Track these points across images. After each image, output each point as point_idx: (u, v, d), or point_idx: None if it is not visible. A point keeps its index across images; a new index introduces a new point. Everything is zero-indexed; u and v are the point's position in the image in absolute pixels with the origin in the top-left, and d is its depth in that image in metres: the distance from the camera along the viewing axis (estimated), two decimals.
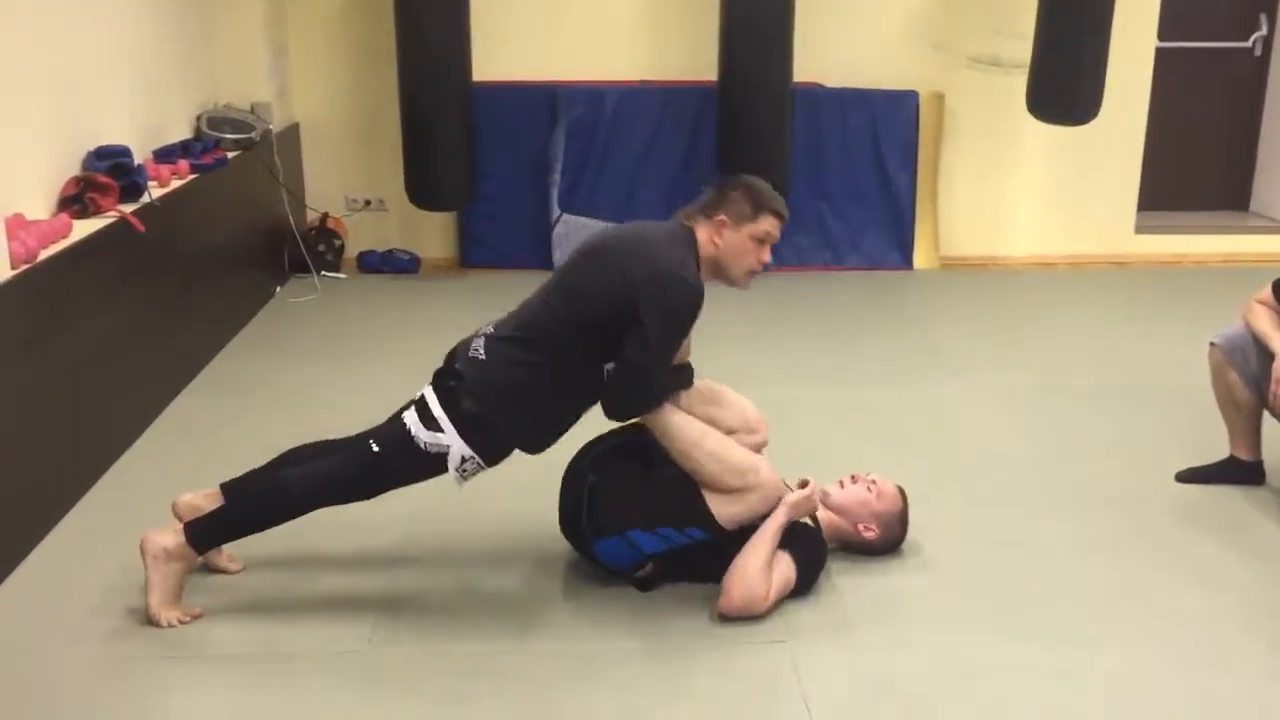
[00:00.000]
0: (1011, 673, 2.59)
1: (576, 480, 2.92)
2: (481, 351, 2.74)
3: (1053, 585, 2.96)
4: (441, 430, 2.68)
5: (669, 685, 2.54)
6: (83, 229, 3.57)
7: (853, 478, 3.06)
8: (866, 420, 4.09)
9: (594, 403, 2.80)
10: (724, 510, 2.78)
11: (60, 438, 3.28)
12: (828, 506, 3.02)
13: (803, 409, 4.17)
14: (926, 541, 3.12)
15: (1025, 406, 4.24)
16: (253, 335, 5.00)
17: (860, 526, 3.01)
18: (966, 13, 6.09)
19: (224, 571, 2.93)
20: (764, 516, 2.81)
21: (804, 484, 2.89)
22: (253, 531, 2.78)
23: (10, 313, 3.00)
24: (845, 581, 2.94)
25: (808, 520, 2.93)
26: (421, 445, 2.68)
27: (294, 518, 2.76)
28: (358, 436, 2.78)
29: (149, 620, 2.69)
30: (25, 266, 3.10)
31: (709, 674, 2.59)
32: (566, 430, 2.83)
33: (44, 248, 3.26)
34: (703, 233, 2.80)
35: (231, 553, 2.95)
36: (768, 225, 2.80)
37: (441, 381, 2.75)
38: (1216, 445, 3.57)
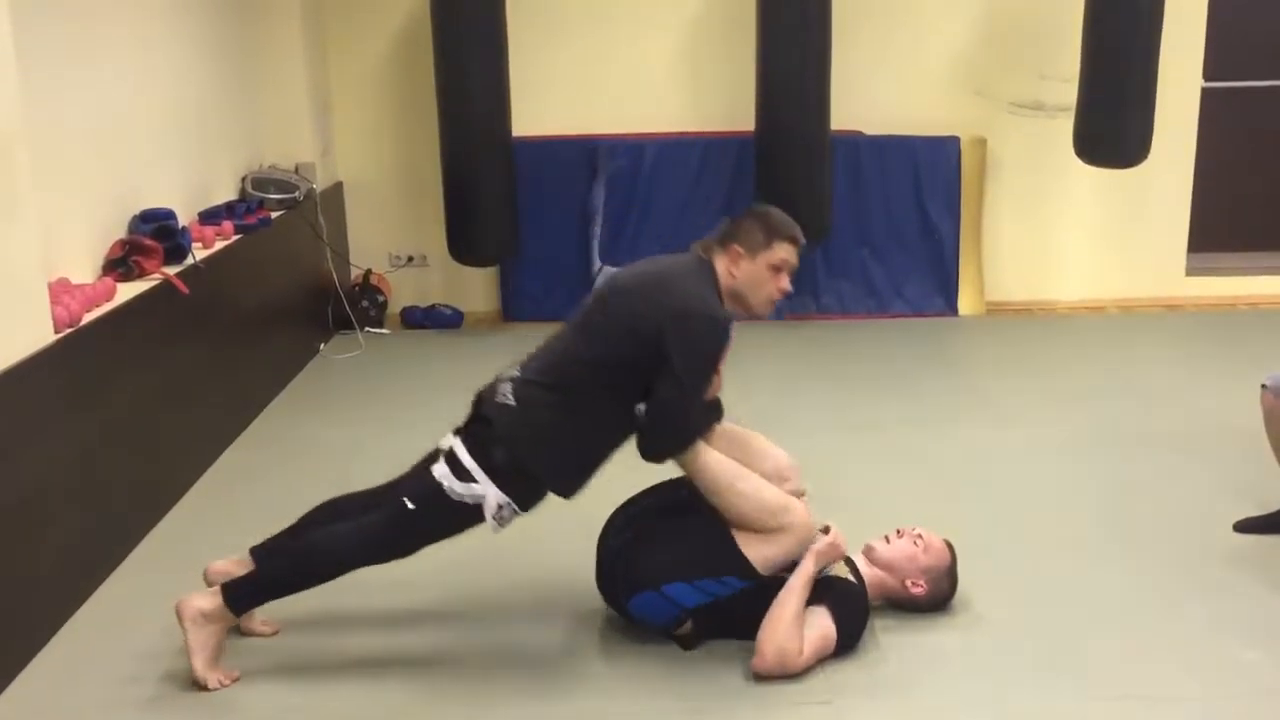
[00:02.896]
0: None
1: (613, 539, 2.89)
2: (510, 397, 2.72)
3: (1107, 640, 2.87)
4: (475, 480, 2.66)
5: None
6: (127, 291, 3.62)
7: (899, 532, 3.00)
8: (912, 470, 4.02)
9: (624, 442, 2.78)
10: (758, 553, 2.74)
11: (105, 497, 3.30)
12: (873, 562, 2.96)
13: (847, 459, 4.11)
14: (975, 596, 3.04)
15: (1075, 454, 4.15)
16: (297, 392, 5.03)
17: (907, 583, 2.94)
18: (1008, 57, 6.06)
19: (259, 635, 2.91)
20: (797, 560, 2.77)
21: (826, 530, 2.84)
22: (290, 593, 2.76)
23: (54, 376, 3.03)
24: (891, 639, 2.87)
25: (849, 576, 2.87)
26: (456, 498, 2.66)
27: (332, 579, 2.74)
28: (389, 494, 2.76)
29: (194, 683, 2.68)
30: (69, 330, 3.14)
31: None
32: (598, 471, 2.80)
33: (87, 311, 3.30)
34: (720, 264, 2.79)
35: (265, 616, 2.94)
36: (783, 253, 2.78)
37: (471, 431, 2.73)
38: (1276, 493, 3.46)
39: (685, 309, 2.67)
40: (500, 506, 2.67)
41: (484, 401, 2.76)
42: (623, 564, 2.84)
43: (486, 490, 2.66)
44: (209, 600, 2.69)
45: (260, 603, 2.79)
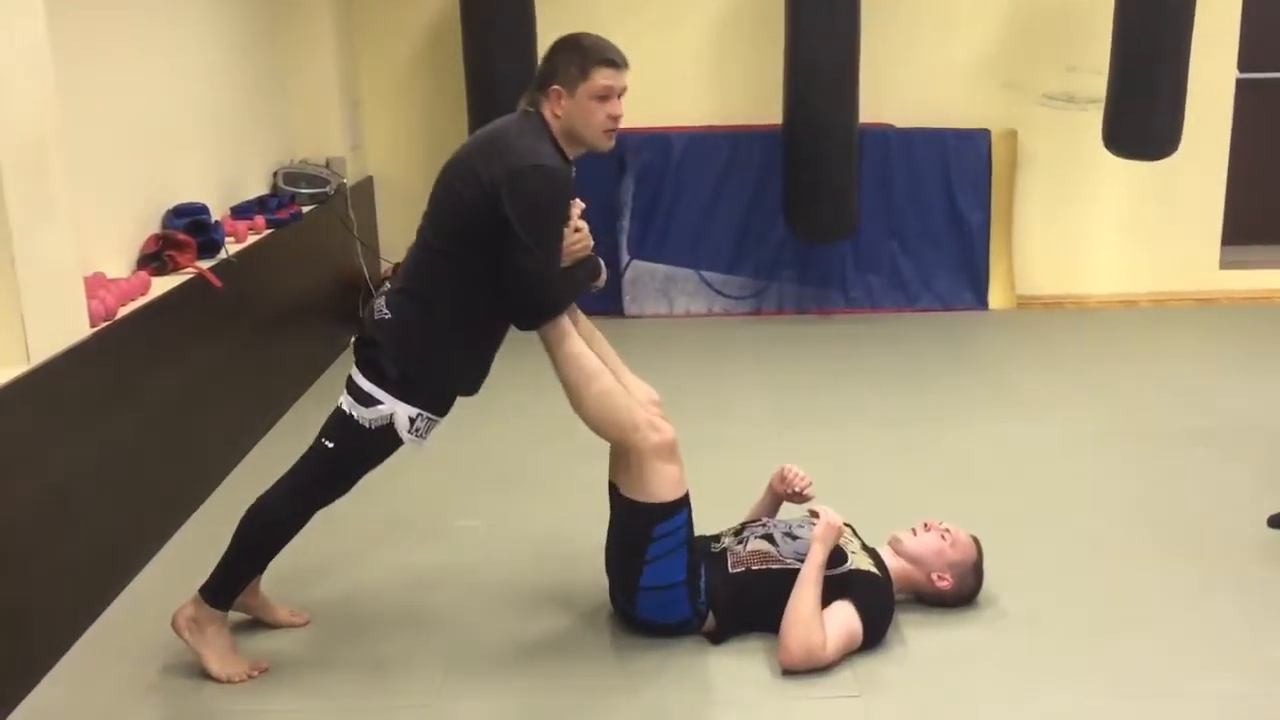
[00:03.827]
0: None
1: (608, 565, 2.92)
2: (385, 310, 2.70)
3: (1137, 637, 2.85)
4: (379, 402, 2.64)
5: None
6: (161, 286, 3.66)
7: (925, 525, 2.99)
8: (940, 465, 4.01)
9: (505, 323, 2.75)
10: (646, 490, 2.73)
11: (139, 491, 3.34)
12: (900, 554, 2.96)
13: (875, 453, 4.10)
14: (1002, 591, 3.03)
15: (1106, 450, 4.12)
16: (328, 384, 5.06)
17: (934, 576, 2.93)
18: (1038, 49, 6.02)
19: (289, 625, 2.94)
20: (676, 481, 2.75)
21: (814, 515, 2.85)
22: (256, 565, 2.78)
23: (90, 369, 3.07)
24: (918, 634, 2.87)
25: (874, 569, 2.87)
26: (367, 425, 2.64)
27: (287, 536, 2.75)
28: (314, 440, 2.76)
29: (217, 682, 2.70)
30: (104, 324, 3.18)
31: None
32: (491, 357, 2.78)
33: (122, 305, 3.34)
34: (546, 110, 2.67)
35: (293, 607, 2.97)
36: (602, 78, 2.65)
37: (361, 354, 2.71)
38: None
39: (515, 169, 2.56)
40: (412, 420, 2.65)
41: (366, 323, 2.74)
42: (616, 584, 2.88)
43: (393, 407, 2.64)
44: (192, 605, 2.72)
45: (236, 587, 2.78)
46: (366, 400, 2.65)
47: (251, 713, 2.62)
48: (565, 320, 2.72)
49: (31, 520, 2.75)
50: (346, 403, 2.68)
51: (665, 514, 2.74)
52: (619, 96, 2.69)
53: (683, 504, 2.78)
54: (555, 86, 2.66)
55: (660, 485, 2.73)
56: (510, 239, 2.56)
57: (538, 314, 2.69)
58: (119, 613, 3.08)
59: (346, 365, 5.16)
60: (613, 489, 2.87)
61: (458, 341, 2.71)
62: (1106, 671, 2.71)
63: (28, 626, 2.74)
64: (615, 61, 2.68)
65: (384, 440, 2.68)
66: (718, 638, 2.84)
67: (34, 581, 2.76)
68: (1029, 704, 2.59)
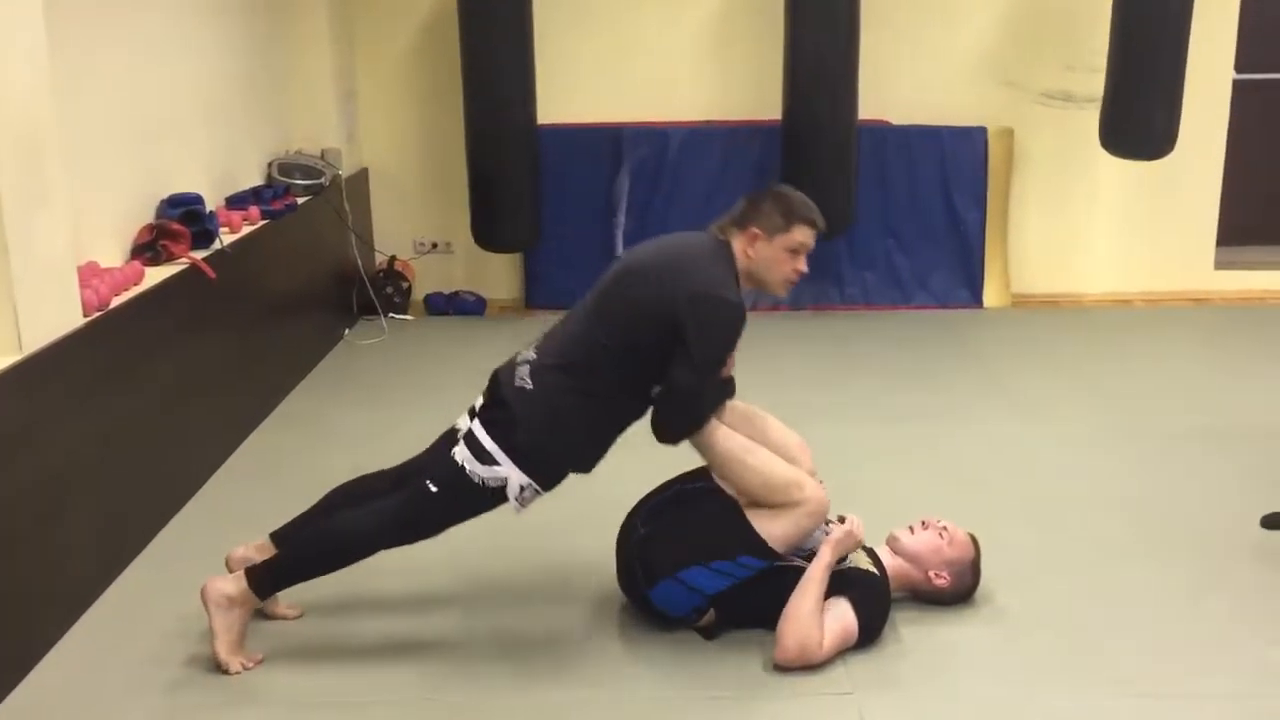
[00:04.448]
0: None
1: (629, 535, 2.90)
2: (528, 380, 2.72)
3: (1132, 636, 2.85)
4: (498, 463, 2.67)
5: None
6: (155, 276, 3.64)
7: (923, 523, 2.99)
8: (935, 463, 4.01)
9: (641, 417, 2.81)
10: (771, 530, 2.74)
11: (132, 481, 3.32)
12: (897, 552, 2.95)
13: (870, 451, 4.09)
14: (999, 590, 3.03)
15: (1100, 449, 4.12)
16: (322, 376, 5.06)
17: (931, 574, 2.93)
18: (1035, 48, 6.02)
19: (282, 618, 2.93)
20: (812, 539, 2.79)
21: (841, 519, 2.84)
22: (315, 577, 2.77)
23: (83, 359, 3.05)
24: (913, 631, 2.86)
25: (871, 567, 2.87)
26: (479, 481, 2.68)
27: (357, 561, 2.75)
28: (411, 477, 2.76)
29: (216, 667, 2.69)
30: (97, 314, 3.16)
31: None
32: (611, 445, 2.83)
33: (116, 295, 3.32)
34: (737, 245, 2.78)
35: (289, 600, 2.95)
36: (801, 235, 2.78)
37: (490, 414, 2.74)
38: None
39: (703, 295, 2.67)
40: (523, 488, 2.69)
41: (501, 384, 2.77)
42: (641, 558, 2.85)
43: (509, 473, 2.67)
44: (233, 585, 2.70)
45: (285, 586, 2.80)
46: (485, 458, 2.68)
47: (244, 704, 2.60)
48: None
49: (23, 510, 2.73)
50: (461, 454, 2.70)
51: (761, 554, 2.75)
52: (806, 254, 2.81)
53: (778, 558, 2.77)
54: (754, 229, 2.77)
55: (786, 534, 2.75)
56: (679, 355, 2.65)
57: (683, 429, 2.77)
58: (112, 600, 3.07)
59: (340, 357, 5.26)
60: (715, 483, 2.85)
61: (595, 430, 2.78)
62: (1101, 671, 2.71)
63: (21, 614, 2.72)
64: (817, 224, 2.81)
65: (489, 498, 2.72)
66: (710, 633, 2.84)
67: (27, 570, 2.74)
68: (1023, 703, 2.59)
